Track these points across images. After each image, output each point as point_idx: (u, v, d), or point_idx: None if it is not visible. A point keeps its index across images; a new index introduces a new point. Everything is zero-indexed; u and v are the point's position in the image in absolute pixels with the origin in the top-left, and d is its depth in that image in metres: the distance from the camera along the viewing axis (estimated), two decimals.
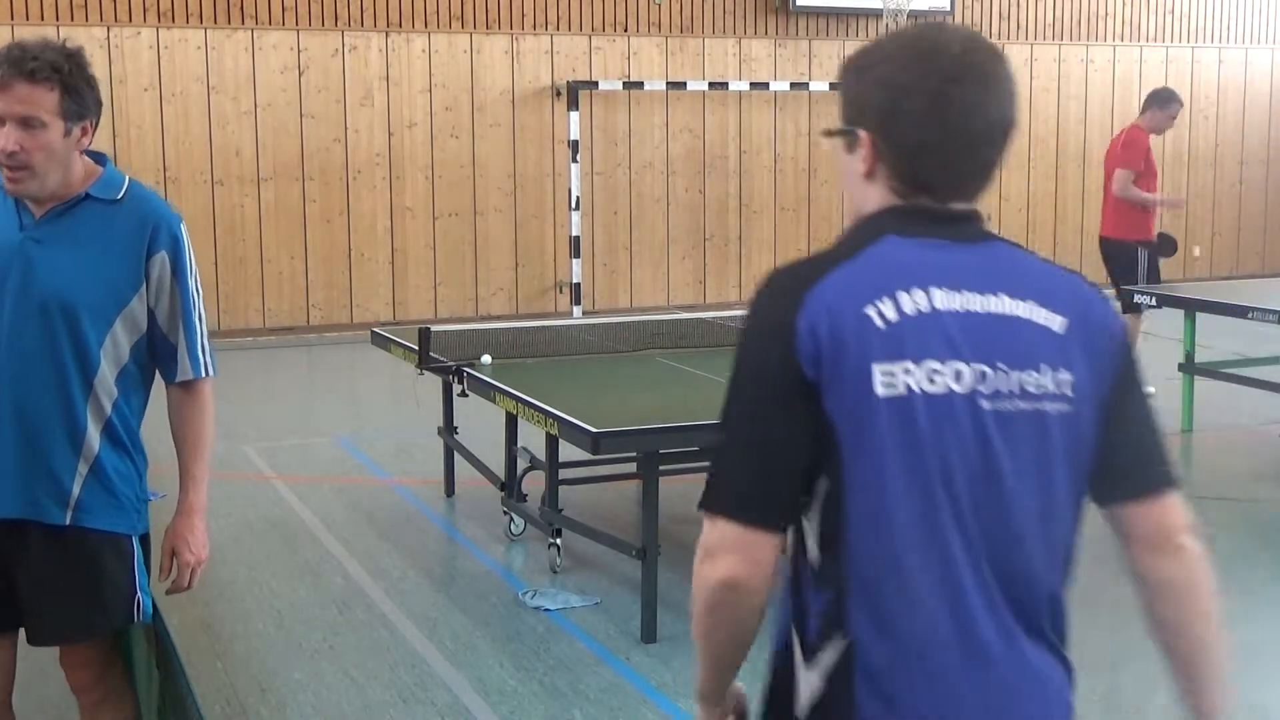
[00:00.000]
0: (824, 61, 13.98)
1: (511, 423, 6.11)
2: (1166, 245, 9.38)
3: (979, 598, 1.77)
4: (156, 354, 3.11)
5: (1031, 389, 1.79)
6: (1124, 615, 5.61)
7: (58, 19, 11.40)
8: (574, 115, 12.83)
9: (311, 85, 12.20)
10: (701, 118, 13.56)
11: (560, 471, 5.83)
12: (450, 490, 6.96)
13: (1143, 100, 9.89)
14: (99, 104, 3.03)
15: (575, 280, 13.04)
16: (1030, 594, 1.82)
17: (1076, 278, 1.92)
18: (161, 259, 3.03)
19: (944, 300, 1.79)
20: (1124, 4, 15.19)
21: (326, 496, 7.06)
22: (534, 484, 6.26)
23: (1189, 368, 8.48)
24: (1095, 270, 15.30)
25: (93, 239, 3.00)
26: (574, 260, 13.03)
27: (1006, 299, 1.82)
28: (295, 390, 10.74)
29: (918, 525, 1.76)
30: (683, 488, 6.61)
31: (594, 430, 4.74)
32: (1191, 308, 8.45)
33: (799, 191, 14.08)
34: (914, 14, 13.79)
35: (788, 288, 1.79)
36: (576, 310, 12.97)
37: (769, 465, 1.77)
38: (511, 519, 6.24)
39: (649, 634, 5.01)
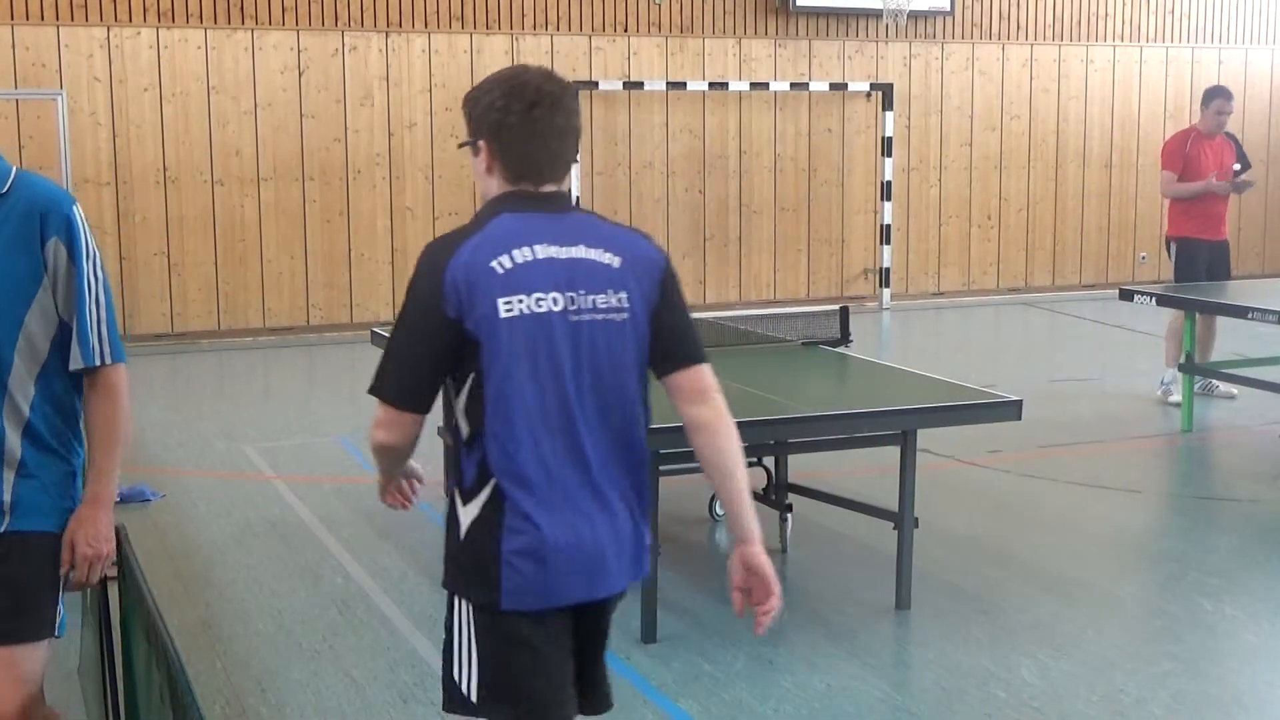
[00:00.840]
0: (824, 62, 13.98)
1: None
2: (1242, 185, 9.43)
3: (579, 444, 2.73)
4: (68, 342, 2.98)
5: (601, 305, 2.73)
6: (1124, 616, 5.63)
7: (58, 19, 11.40)
8: None
9: (311, 85, 12.20)
10: (702, 118, 13.56)
11: None
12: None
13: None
14: None
15: None
16: (613, 432, 2.78)
17: (631, 231, 2.87)
18: (55, 245, 2.92)
19: (543, 252, 2.71)
20: (1124, 4, 15.20)
21: (326, 496, 7.06)
22: None
23: (1189, 368, 8.48)
24: (1104, 271, 15.31)
25: None
26: None
27: (584, 248, 2.74)
28: (295, 390, 10.73)
29: (532, 401, 2.68)
30: (683, 488, 6.61)
31: None
32: (1191, 308, 8.44)
33: (799, 192, 14.08)
34: (914, 14, 13.79)
35: (439, 254, 2.69)
36: None
37: (419, 372, 2.71)
38: None
39: (649, 634, 5.01)
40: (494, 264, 2.66)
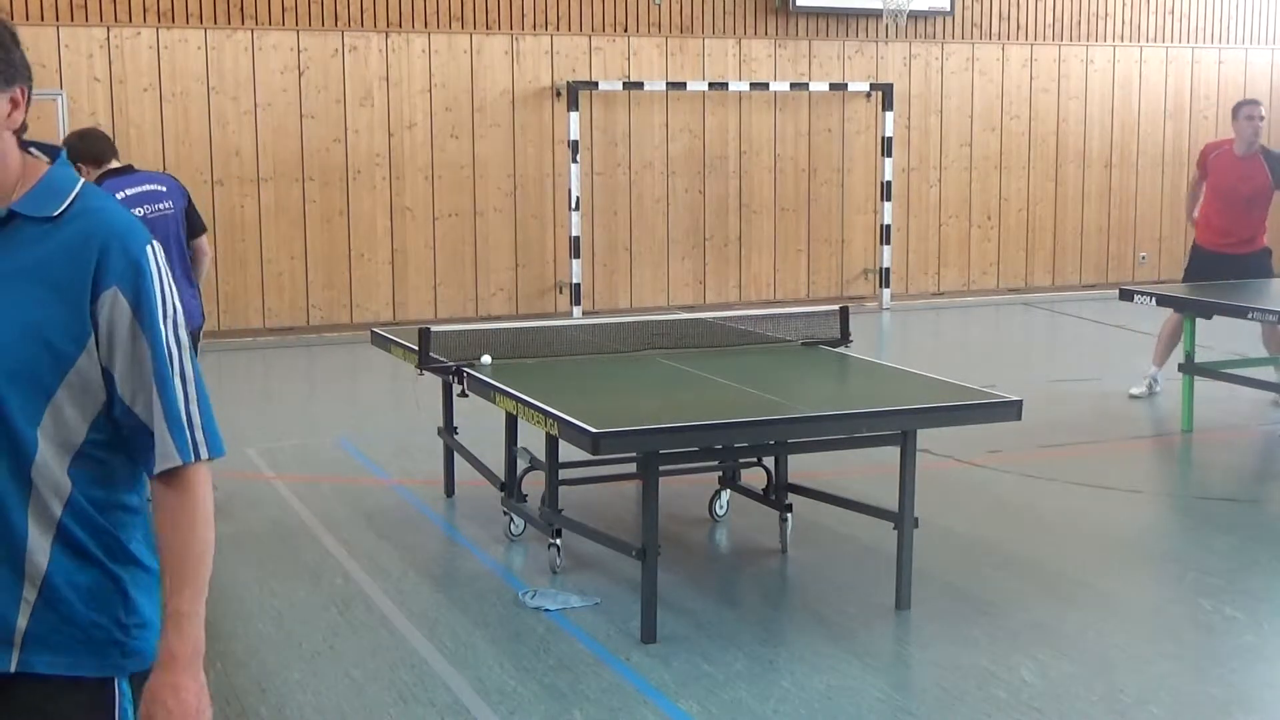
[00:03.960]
0: (824, 62, 13.98)
1: (511, 423, 6.11)
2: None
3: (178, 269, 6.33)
4: (123, 432, 2.20)
5: (161, 208, 6.45)
6: (1124, 616, 5.63)
7: (58, 19, 11.40)
8: (574, 115, 12.83)
9: (311, 85, 12.20)
10: (701, 118, 13.56)
11: (560, 472, 5.83)
12: (450, 490, 6.96)
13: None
14: (27, 66, 2.19)
15: (575, 280, 13.04)
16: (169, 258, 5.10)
17: (170, 176, 7.05)
18: (113, 298, 2.11)
19: (131, 190, 6.35)
20: (1124, 4, 15.20)
21: (326, 496, 7.06)
22: (534, 484, 6.26)
23: (1189, 368, 8.47)
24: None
25: (17, 275, 2.11)
26: (574, 260, 13.04)
27: (149, 185, 6.54)
28: (295, 390, 10.74)
29: None
30: (683, 488, 6.61)
31: (594, 430, 4.73)
32: (1191, 308, 8.44)
33: (799, 192, 14.08)
34: (914, 14, 13.80)
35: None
36: (576, 310, 12.97)
37: None
38: (511, 519, 6.24)
39: (649, 634, 5.01)
40: (119, 195, 5.98)
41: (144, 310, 2.14)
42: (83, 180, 2.23)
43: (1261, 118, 9.06)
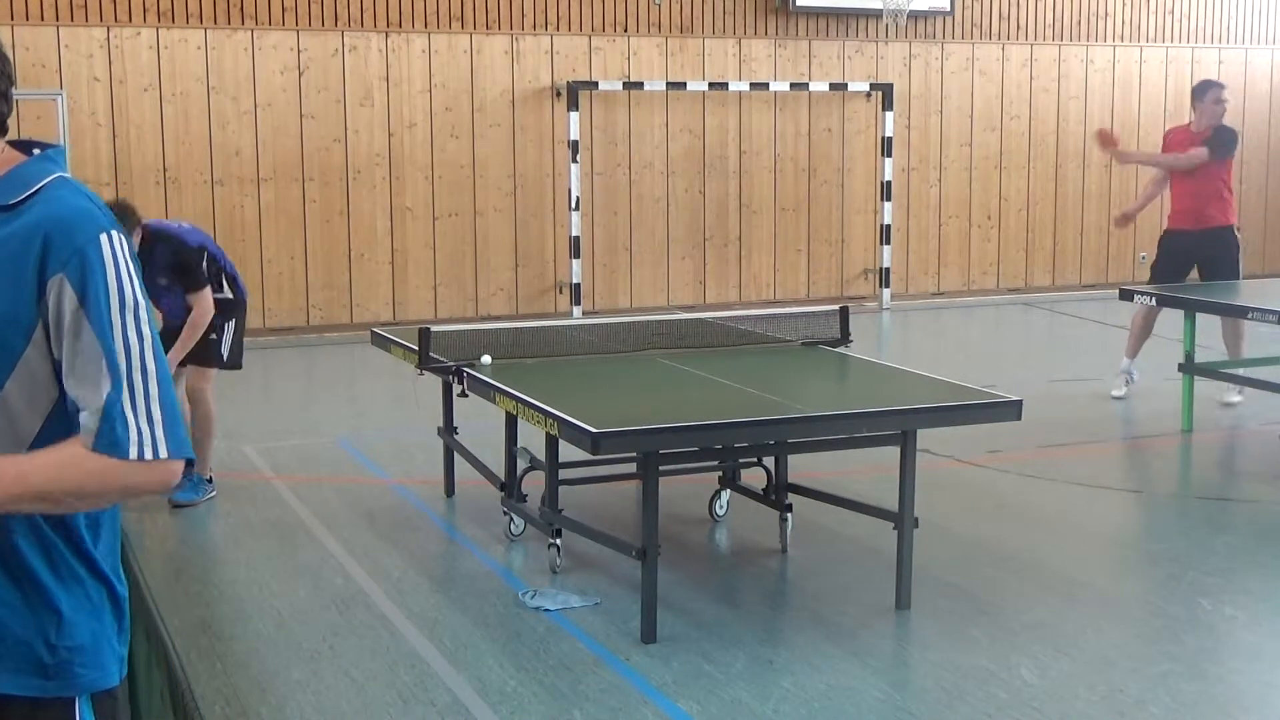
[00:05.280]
0: (824, 62, 13.98)
1: (511, 423, 6.11)
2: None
3: None
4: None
5: None
6: (1124, 616, 5.63)
7: (58, 19, 11.40)
8: (574, 115, 12.83)
9: (311, 85, 12.20)
10: (701, 118, 13.56)
11: (560, 472, 5.83)
12: (450, 490, 6.96)
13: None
14: (4, 59, 2.11)
15: (575, 280, 13.04)
16: None
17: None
18: (58, 285, 2.00)
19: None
20: (1124, 4, 15.20)
21: (326, 496, 7.06)
22: (534, 484, 6.26)
23: (1189, 368, 8.47)
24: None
25: None
26: (574, 260, 13.04)
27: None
28: (295, 390, 10.73)
29: None
30: (683, 488, 6.61)
31: (594, 430, 4.73)
32: (1191, 308, 8.44)
33: (799, 192, 14.08)
34: (914, 14, 13.80)
35: None
36: (576, 310, 12.97)
37: None
38: (511, 519, 6.24)
39: (649, 634, 5.01)
40: None
41: (91, 300, 2.00)
42: (58, 174, 2.12)
43: (1228, 101, 9.24)
